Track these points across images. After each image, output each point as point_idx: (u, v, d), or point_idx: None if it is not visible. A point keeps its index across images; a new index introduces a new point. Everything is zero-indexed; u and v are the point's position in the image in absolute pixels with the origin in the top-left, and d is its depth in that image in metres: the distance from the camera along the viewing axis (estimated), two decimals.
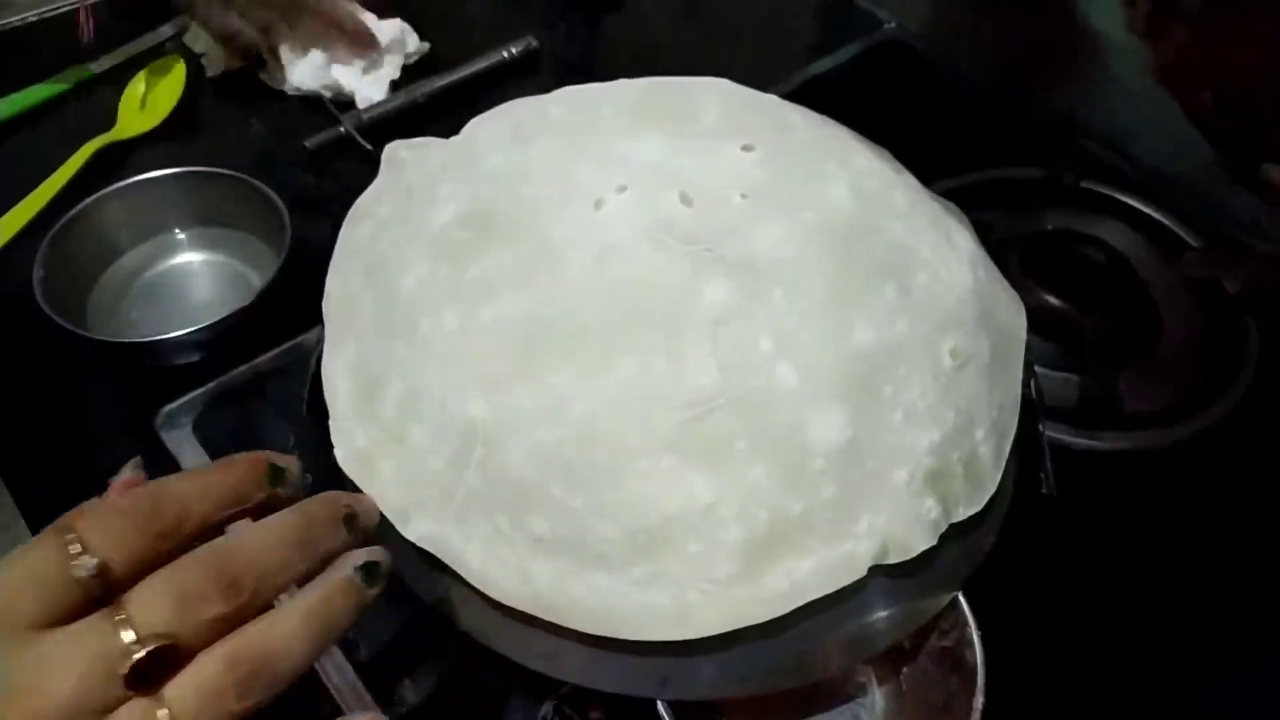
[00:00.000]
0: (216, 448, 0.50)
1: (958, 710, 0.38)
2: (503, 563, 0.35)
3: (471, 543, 0.35)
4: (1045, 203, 0.61)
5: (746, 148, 0.40)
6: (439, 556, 0.35)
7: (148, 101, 0.68)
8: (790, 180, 0.39)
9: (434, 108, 0.70)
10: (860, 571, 0.35)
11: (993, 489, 0.38)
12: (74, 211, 0.55)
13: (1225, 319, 0.55)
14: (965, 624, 0.39)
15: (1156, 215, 0.60)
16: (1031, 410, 0.42)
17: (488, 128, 0.45)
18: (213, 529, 0.27)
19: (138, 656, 0.24)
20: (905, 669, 0.41)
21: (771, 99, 0.46)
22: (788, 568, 0.34)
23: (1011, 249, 0.54)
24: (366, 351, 0.39)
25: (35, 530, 0.48)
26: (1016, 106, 0.68)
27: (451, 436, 0.35)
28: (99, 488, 0.48)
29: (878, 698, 0.42)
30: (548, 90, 0.47)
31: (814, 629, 0.35)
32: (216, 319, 0.52)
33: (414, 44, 0.72)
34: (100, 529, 0.25)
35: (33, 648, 0.24)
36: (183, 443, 0.50)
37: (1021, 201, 0.60)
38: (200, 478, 0.28)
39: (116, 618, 0.24)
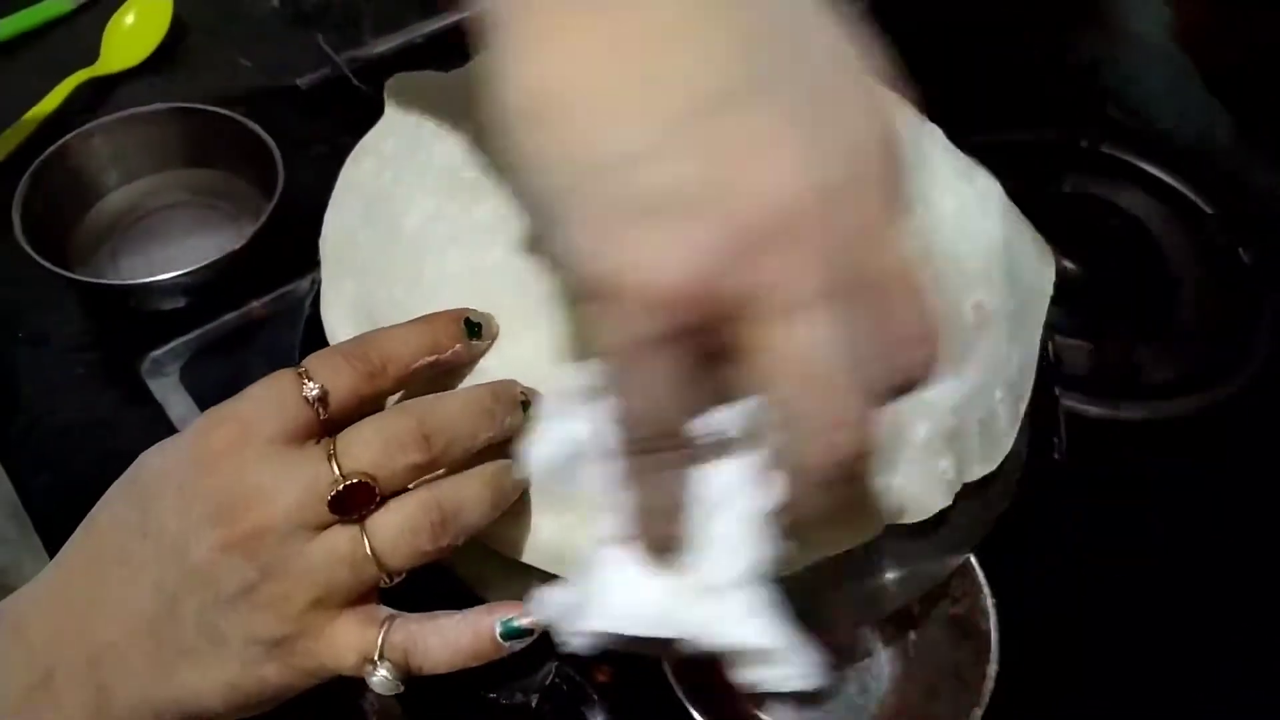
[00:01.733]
0: (203, 396, 0.49)
1: (969, 677, 0.38)
2: (510, 515, 0.33)
3: None
4: (1063, 166, 0.59)
5: None
6: None
7: (133, 35, 0.65)
8: None
9: (432, 49, 0.67)
10: (877, 530, 0.34)
11: (1007, 449, 0.38)
12: (56, 146, 0.53)
13: (1242, 289, 0.54)
14: (979, 591, 0.39)
15: (1174, 183, 0.59)
16: (1047, 376, 0.41)
17: None
18: (415, 375, 0.31)
19: (340, 487, 0.27)
20: (913, 635, 0.41)
21: None
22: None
23: (1027, 211, 0.53)
24: (366, 293, 0.38)
25: (16, 482, 0.48)
26: (1036, 66, 0.67)
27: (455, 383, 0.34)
28: (78, 431, 0.48)
29: (884, 664, 0.41)
30: None
31: (824, 587, 0.35)
32: (205, 263, 0.50)
33: None
34: (322, 365, 0.29)
35: (268, 461, 0.28)
36: (169, 390, 0.49)
37: (1038, 164, 0.59)
38: (405, 329, 0.31)
39: (329, 451, 0.28)
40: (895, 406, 0.30)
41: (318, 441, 0.29)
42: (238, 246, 0.50)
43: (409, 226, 0.37)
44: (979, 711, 0.36)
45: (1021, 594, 0.38)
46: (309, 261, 0.49)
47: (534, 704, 0.40)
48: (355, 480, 0.28)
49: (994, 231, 0.38)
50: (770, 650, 0.27)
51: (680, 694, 0.36)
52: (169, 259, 0.53)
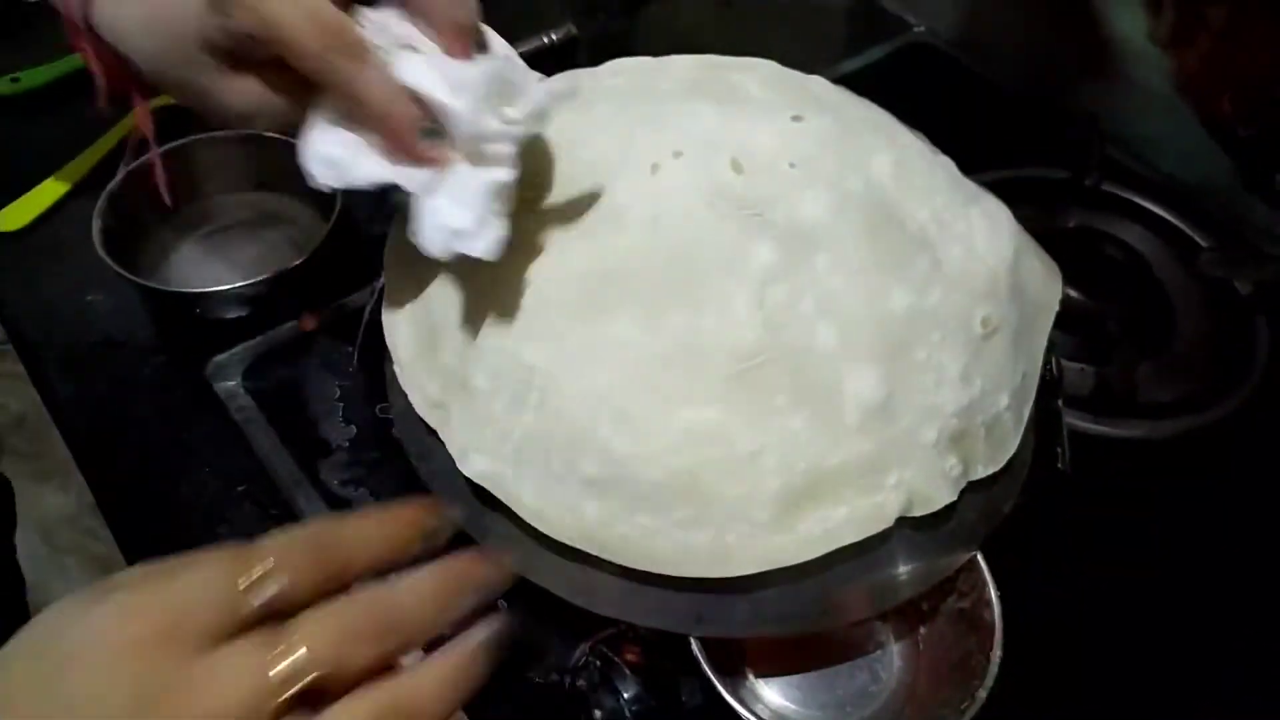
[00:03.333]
0: (264, 399, 0.52)
1: (974, 666, 0.40)
2: (555, 502, 0.36)
3: (526, 482, 0.37)
4: (1067, 202, 0.63)
5: (796, 118, 0.42)
6: (494, 493, 0.37)
7: None
8: (838, 150, 0.41)
9: None
10: (888, 522, 0.37)
11: (1012, 451, 0.40)
12: (133, 166, 0.57)
13: (1237, 318, 0.57)
14: (984, 585, 0.41)
15: (1172, 218, 0.62)
16: (1051, 387, 0.44)
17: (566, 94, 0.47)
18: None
19: (297, 688, 0.25)
20: (922, 629, 0.43)
21: (816, 79, 0.48)
22: (821, 515, 0.36)
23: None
24: (427, 301, 0.41)
25: (85, 469, 0.51)
26: (1042, 110, 0.71)
27: (510, 381, 0.37)
28: (147, 426, 0.51)
29: (895, 655, 0.44)
30: None
31: (840, 577, 0.37)
32: (266, 276, 0.53)
33: None
34: (280, 560, 0.27)
35: (203, 658, 0.25)
36: (231, 392, 0.52)
37: (1044, 200, 0.62)
38: (368, 528, 0.29)
39: (281, 645, 0.26)
40: (905, 412, 0.34)
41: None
42: (297, 262, 0.54)
43: None
44: (983, 694, 0.39)
45: (1025, 591, 0.41)
46: (361, 279, 0.54)
47: (567, 683, 0.42)
48: (314, 677, 0.26)
49: (1002, 251, 0.42)
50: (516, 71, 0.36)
51: (707, 670, 0.39)
52: (234, 272, 0.57)
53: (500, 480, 0.37)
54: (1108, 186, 0.63)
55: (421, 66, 0.35)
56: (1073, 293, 0.56)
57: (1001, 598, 0.41)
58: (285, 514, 0.48)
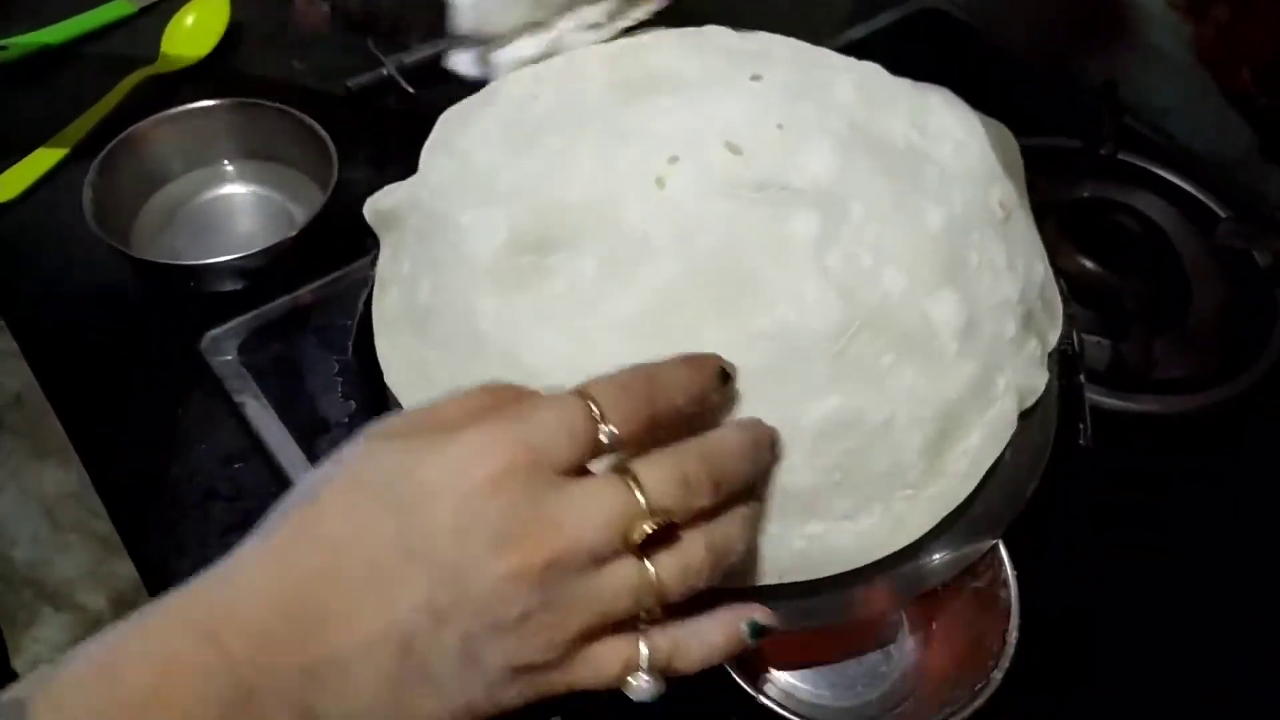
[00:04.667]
0: (261, 374, 0.51)
1: (990, 647, 0.39)
2: None
3: None
4: (1082, 172, 0.61)
5: (755, 77, 0.41)
6: None
7: (191, 37, 0.68)
8: (806, 94, 0.41)
9: None
10: (1013, 425, 0.38)
11: (1061, 309, 0.42)
12: (124, 135, 0.56)
13: (1256, 290, 0.56)
14: (1001, 564, 0.40)
15: (1189, 188, 0.61)
16: (1072, 362, 0.43)
17: (470, 138, 0.42)
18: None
19: (652, 527, 0.27)
20: (937, 609, 0.42)
21: (713, 29, 0.45)
22: (962, 449, 0.37)
23: (1049, 214, 0.55)
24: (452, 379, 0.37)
25: (79, 444, 0.50)
26: (1056, 77, 0.69)
27: None
28: (141, 402, 0.50)
29: (908, 635, 0.43)
30: None
31: (859, 571, 0.36)
32: (262, 248, 0.52)
33: None
34: (613, 405, 0.28)
35: (561, 490, 0.27)
36: (228, 367, 0.51)
37: (1058, 170, 0.61)
38: (679, 375, 0.31)
39: (630, 483, 0.28)
40: (985, 319, 0.37)
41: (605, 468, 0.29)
42: (293, 234, 0.53)
43: (483, 329, 0.37)
44: (999, 675, 0.38)
45: (1041, 570, 0.40)
46: (359, 250, 0.52)
47: None
48: (664, 519, 0.28)
49: (974, 129, 0.43)
50: None
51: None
52: (227, 244, 0.56)
53: None
54: (1123, 156, 0.62)
55: None
56: (1088, 264, 0.55)
57: (1018, 577, 0.40)
58: (283, 491, 0.47)
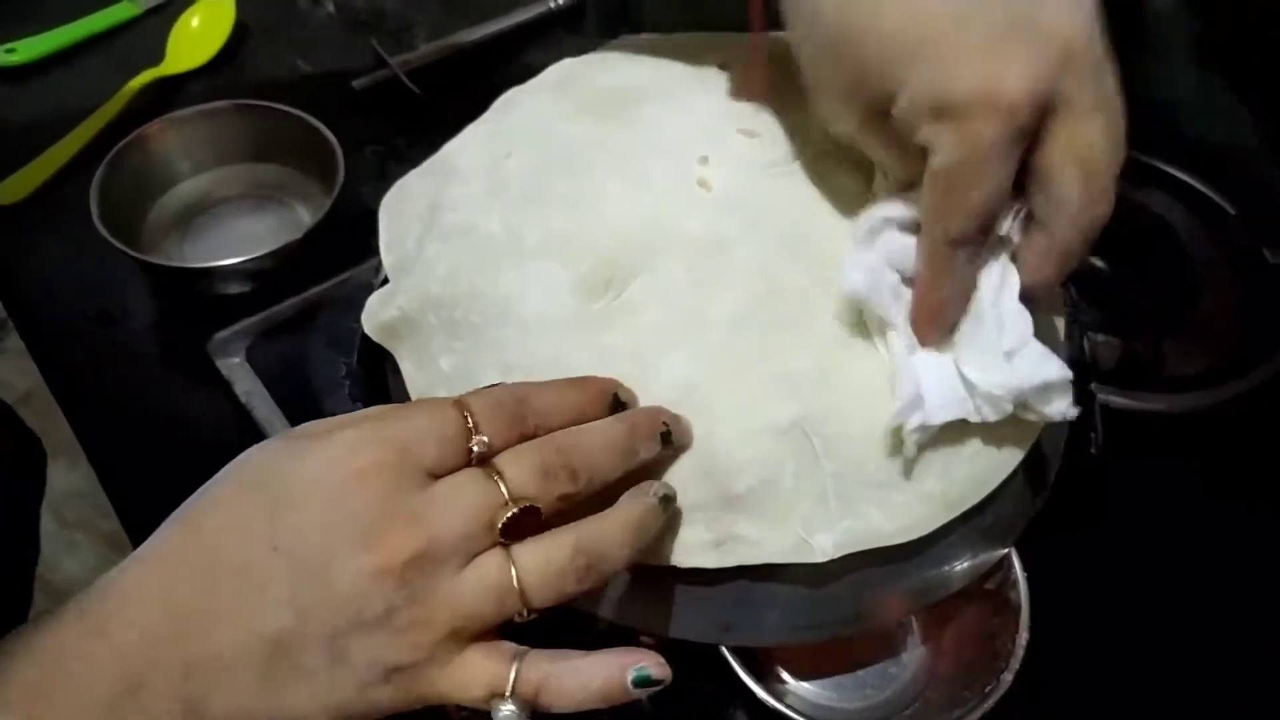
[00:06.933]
0: (268, 376, 0.51)
1: (999, 648, 0.39)
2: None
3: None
4: None
5: (723, 66, 0.42)
6: None
7: (197, 38, 0.68)
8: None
9: (478, 54, 0.70)
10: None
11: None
12: (131, 137, 0.56)
13: (1266, 287, 0.56)
14: (1011, 565, 0.40)
15: (1199, 185, 0.60)
16: (1085, 369, 0.43)
17: (458, 216, 0.40)
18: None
19: (513, 511, 0.28)
20: (946, 609, 0.42)
21: (628, 39, 0.46)
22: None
23: None
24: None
25: (87, 445, 0.50)
26: None
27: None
28: (148, 405, 0.50)
29: (917, 636, 0.43)
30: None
31: (873, 580, 0.36)
32: (268, 250, 0.52)
33: None
34: (488, 417, 0.30)
35: (429, 488, 0.28)
36: (234, 369, 0.51)
37: None
38: (559, 395, 0.32)
39: (493, 476, 0.29)
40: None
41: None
42: (300, 236, 0.53)
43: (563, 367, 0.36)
44: (1009, 677, 0.38)
45: (1051, 570, 0.40)
46: (365, 252, 0.52)
47: None
48: (526, 505, 0.28)
49: None
50: (1058, 382, 0.33)
51: (725, 652, 0.38)
52: (234, 246, 0.56)
53: None
54: (1132, 152, 0.61)
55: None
56: (1096, 262, 0.55)
57: (1029, 578, 0.40)
58: None
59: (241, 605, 0.27)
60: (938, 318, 0.34)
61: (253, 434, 0.49)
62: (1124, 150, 0.32)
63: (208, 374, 0.51)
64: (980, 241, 0.33)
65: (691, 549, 0.34)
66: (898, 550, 0.35)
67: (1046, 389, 0.33)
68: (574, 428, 0.31)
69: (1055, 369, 0.33)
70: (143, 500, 0.48)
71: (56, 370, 0.52)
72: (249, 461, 0.29)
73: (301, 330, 0.53)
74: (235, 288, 0.54)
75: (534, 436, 0.30)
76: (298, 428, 0.30)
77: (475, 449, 0.29)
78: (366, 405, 0.49)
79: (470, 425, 0.29)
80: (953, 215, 0.32)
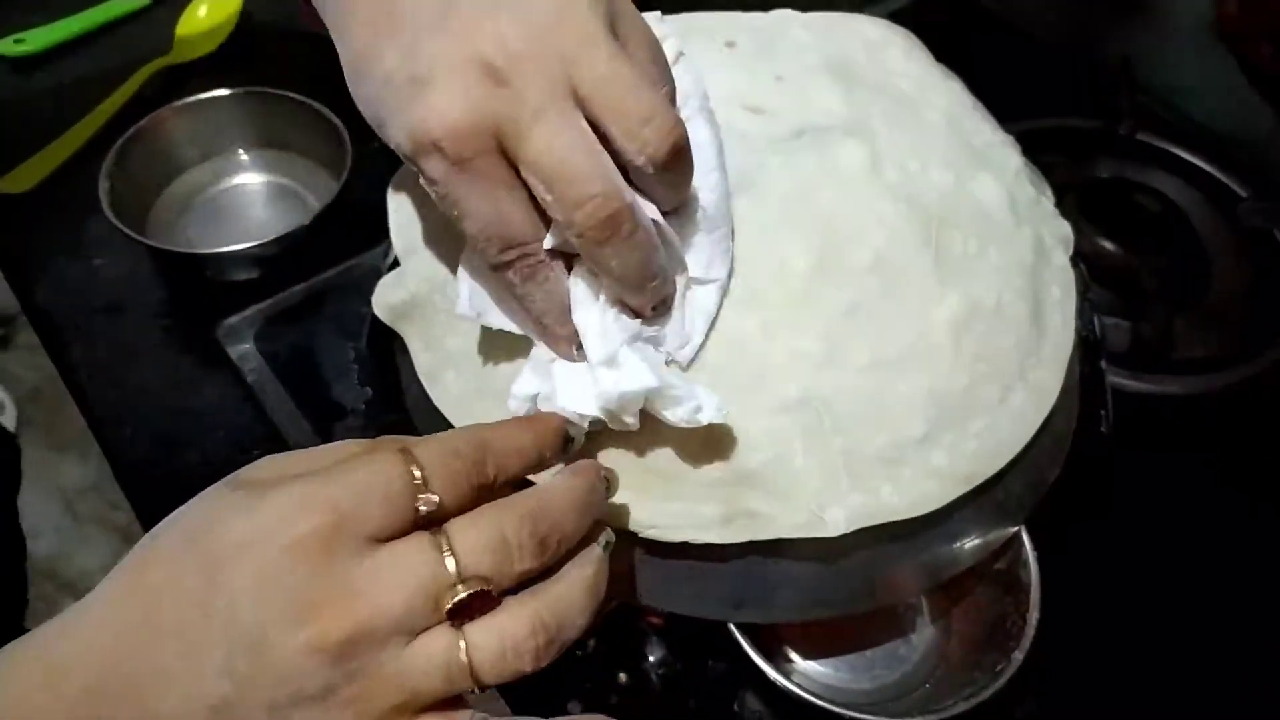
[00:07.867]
0: (277, 362, 0.51)
1: (1010, 628, 0.39)
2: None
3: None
4: (1100, 151, 0.61)
5: (729, 44, 0.43)
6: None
7: (204, 28, 0.68)
8: (776, 45, 0.43)
9: None
10: (1070, 273, 0.41)
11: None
12: (140, 124, 0.56)
13: (1276, 269, 0.55)
14: (1021, 544, 0.40)
15: (1209, 168, 0.60)
16: (1093, 348, 0.43)
17: None
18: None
19: (461, 596, 0.26)
20: (956, 590, 0.42)
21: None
22: (1052, 305, 0.39)
23: (1068, 194, 0.55)
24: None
25: (101, 438, 0.50)
26: (1073, 57, 0.68)
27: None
28: (158, 391, 0.50)
29: (927, 616, 0.43)
30: None
31: (885, 557, 0.36)
32: (276, 235, 0.52)
33: None
34: (437, 471, 0.27)
35: (369, 557, 0.26)
36: (243, 355, 0.51)
37: (1077, 150, 0.60)
38: (514, 438, 0.30)
39: (443, 548, 0.26)
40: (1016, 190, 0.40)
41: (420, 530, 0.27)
42: (308, 222, 0.53)
43: None
44: (1020, 656, 0.38)
45: (1061, 550, 0.40)
46: (373, 238, 0.52)
47: (590, 646, 0.42)
48: (476, 589, 0.26)
49: (924, 59, 0.46)
50: (668, 390, 0.31)
51: (735, 633, 0.38)
52: (242, 232, 0.56)
53: None
54: (1142, 136, 0.61)
55: (594, 322, 0.32)
56: (1107, 244, 0.55)
57: (1039, 558, 0.40)
58: None
59: (183, 669, 0.25)
60: (542, 334, 0.33)
61: (262, 421, 0.49)
62: (635, 133, 0.30)
63: (217, 360, 0.51)
64: (523, 264, 0.32)
65: (703, 525, 0.34)
66: (908, 526, 0.35)
67: (628, 399, 0.31)
68: (536, 489, 0.29)
69: (655, 378, 0.31)
70: (155, 492, 0.49)
71: (67, 359, 0.53)
72: (191, 511, 0.28)
73: (310, 316, 0.53)
74: (244, 274, 0.54)
75: (492, 486, 0.28)
76: (247, 469, 0.28)
77: (422, 508, 0.26)
78: (374, 390, 0.51)
79: (419, 479, 0.27)
80: (474, 245, 0.32)
